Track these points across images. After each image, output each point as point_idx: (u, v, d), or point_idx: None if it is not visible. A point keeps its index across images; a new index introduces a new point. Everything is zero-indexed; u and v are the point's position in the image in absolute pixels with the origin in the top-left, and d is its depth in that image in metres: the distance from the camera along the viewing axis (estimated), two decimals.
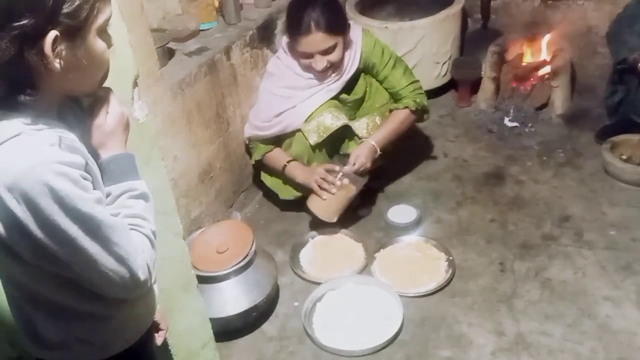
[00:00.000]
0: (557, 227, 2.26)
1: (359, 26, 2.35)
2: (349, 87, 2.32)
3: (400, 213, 2.38)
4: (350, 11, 2.99)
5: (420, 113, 2.38)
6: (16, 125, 0.83)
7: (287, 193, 2.36)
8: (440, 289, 2.04)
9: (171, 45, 2.13)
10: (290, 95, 2.25)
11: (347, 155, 2.26)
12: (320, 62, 2.17)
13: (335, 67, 2.22)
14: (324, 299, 2.04)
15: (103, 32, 0.89)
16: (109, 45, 0.91)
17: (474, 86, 3.06)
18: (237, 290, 1.91)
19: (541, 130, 2.83)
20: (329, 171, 2.18)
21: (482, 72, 3.02)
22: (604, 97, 2.65)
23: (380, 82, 2.37)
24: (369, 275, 2.13)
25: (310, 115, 2.24)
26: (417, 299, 2.02)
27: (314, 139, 2.23)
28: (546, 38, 2.95)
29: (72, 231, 0.84)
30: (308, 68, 2.21)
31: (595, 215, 2.30)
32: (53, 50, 0.81)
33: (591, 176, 2.51)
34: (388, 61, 2.31)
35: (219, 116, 2.26)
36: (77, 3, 0.82)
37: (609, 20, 2.61)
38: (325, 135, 2.23)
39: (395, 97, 2.36)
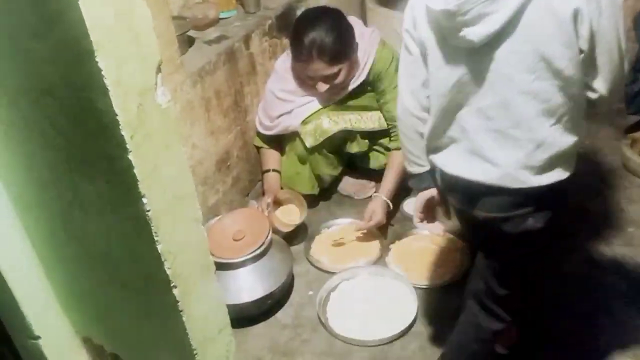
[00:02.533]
0: (574, 223, 2.24)
1: (377, 36, 2.23)
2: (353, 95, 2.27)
3: None
4: (370, 2, 2.97)
5: None
6: None
7: (305, 188, 2.36)
8: (456, 281, 2.04)
9: (191, 33, 2.15)
10: (288, 99, 2.23)
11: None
12: (322, 86, 2.12)
13: (337, 87, 2.17)
14: (339, 289, 2.05)
15: None
16: None
17: None
18: (252, 277, 1.92)
19: None
20: (268, 203, 2.19)
21: None
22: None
23: (381, 102, 2.27)
24: (384, 266, 2.13)
25: (308, 118, 2.22)
26: (431, 290, 2.02)
27: (310, 142, 2.22)
28: None
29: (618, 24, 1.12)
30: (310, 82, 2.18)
31: (614, 211, 2.28)
32: None
33: (610, 172, 2.48)
34: (397, 86, 2.21)
35: (237, 105, 2.26)
36: None
37: (632, 15, 2.56)
38: (321, 139, 2.21)
39: (390, 122, 2.27)
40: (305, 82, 2.19)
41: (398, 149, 2.23)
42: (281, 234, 2.20)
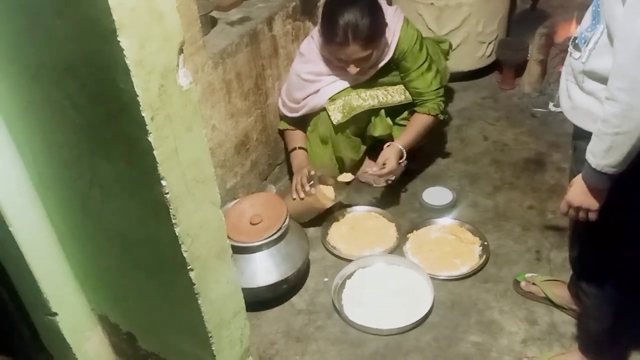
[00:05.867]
0: None
1: (401, 15, 2.21)
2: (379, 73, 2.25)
3: (435, 195, 2.36)
4: None
5: (441, 120, 2.32)
6: None
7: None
8: (473, 273, 2.01)
9: (214, 14, 2.12)
10: (315, 80, 2.21)
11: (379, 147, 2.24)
12: (354, 69, 2.11)
13: (367, 67, 2.16)
14: (354, 276, 2.04)
15: None
16: None
17: (519, 69, 2.97)
18: (268, 262, 1.92)
19: None
20: (309, 177, 2.15)
21: (529, 55, 2.92)
22: None
23: (406, 80, 2.25)
24: (401, 255, 2.11)
25: (335, 95, 2.21)
26: (448, 282, 2.00)
27: (337, 118, 2.20)
28: None
29: None
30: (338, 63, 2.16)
31: None
32: None
33: None
34: (423, 63, 2.21)
35: (258, 88, 2.24)
36: None
37: None
38: (349, 116, 2.20)
39: (416, 97, 2.27)
40: (334, 63, 2.17)
41: (424, 113, 2.25)
42: (317, 210, 2.19)
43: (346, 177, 2.25)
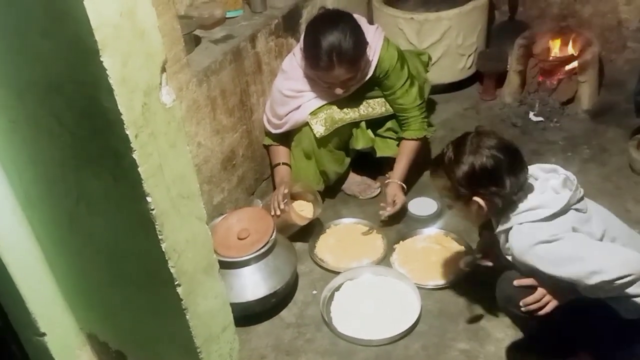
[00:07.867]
0: None
1: (381, 34, 2.26)
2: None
3: (420, 205, 2.38)
4: (376, 1, 2.97)
5: (428, 138, 2.42)
6: None
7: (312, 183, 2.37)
8: (459, 282, 2.03)
9: (198, 32, 2.15)
10: (297, 96, 2.25)
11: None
12: (339, 90, 2.17)
13: (351, 86, 2.22)
14: (342, 288, 2.06)
15: None
16: None
17: (499, 79, 3.03)
18: (256, 276, 1.93)
19: (566, 126, 2.79)
20: (284, 194, 2.17)
21: (508, 65, 2.98)
22: (633, 93, 2.60)
23: (390, 98, 2.30)
24: (388, 266, 2.13)
25: (316, 109, 2.24)
26: (435, 291, 2.02)
27: (320, 131, 2.23)
28: (575, 32, 2.90)
29: None
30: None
31: (620, 212, 2.25)
32: None
33: (616, 173, 2.47)
34: (406, 81, 2.26)
35: (243, 104, 2.27)
36: None
37: None
38: (332, 129, 2.23)
39: (401, 113, 2.32)
40: (320, 84, 2.21)
41: (410, 139, 2.32)
42: (295, 227, 2.20)
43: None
